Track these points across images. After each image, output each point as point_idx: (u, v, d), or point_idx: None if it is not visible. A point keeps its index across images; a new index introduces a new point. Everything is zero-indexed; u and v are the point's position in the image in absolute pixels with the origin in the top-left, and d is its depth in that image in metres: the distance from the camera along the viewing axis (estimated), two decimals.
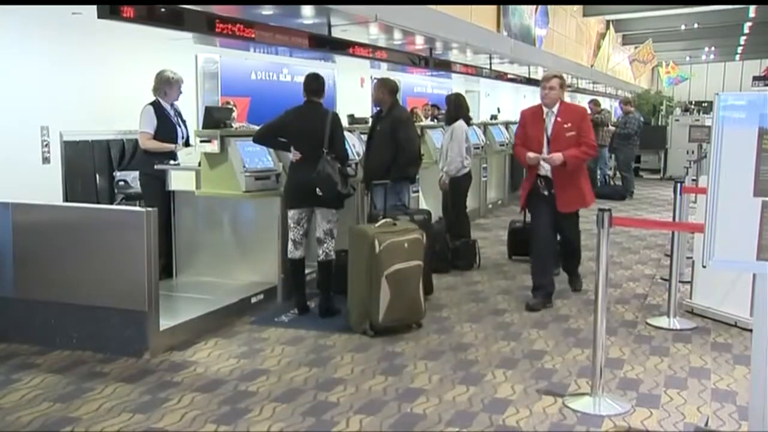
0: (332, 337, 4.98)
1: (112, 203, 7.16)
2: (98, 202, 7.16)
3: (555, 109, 5.66)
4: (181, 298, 5.65)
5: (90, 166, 7.43)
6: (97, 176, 7.50)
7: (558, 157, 5.51)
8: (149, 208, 4.52)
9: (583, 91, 24.28)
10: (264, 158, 5.91)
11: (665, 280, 6.33)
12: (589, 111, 13.99)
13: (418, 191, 7.69)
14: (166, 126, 6.13)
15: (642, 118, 14.66)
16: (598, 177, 13.60)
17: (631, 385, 4.19)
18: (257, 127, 5.97)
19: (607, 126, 13.67)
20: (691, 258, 6.14)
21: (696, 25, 26.74)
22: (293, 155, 5.43)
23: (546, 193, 5.67)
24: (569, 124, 5.61)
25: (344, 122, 6.97)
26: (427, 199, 8.42)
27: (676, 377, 4.31)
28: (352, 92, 13.01)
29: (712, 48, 33.92)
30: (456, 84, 16.97)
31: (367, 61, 11.57)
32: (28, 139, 6.86)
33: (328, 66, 11.82)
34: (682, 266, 6.28)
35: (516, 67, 16.76)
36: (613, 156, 14.34)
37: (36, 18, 6.80)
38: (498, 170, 11.74)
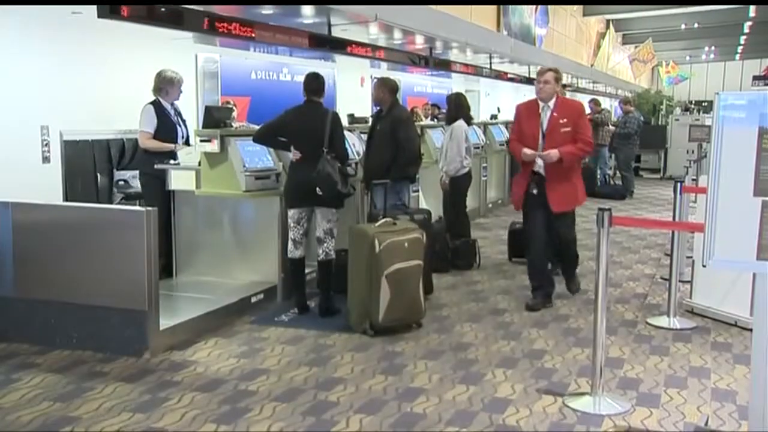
0: (332, 336, 4.99)
1: (111, 203, 7.15)
2: (98, 202, 7.16)
3: (551, 103, 5.53)
4: (181, 298, 5.65)
5: (90, 165, 7.43)
6: (98, 176, 7.50)
7: (554, 153, 5.39)
8: (149, 208, 4.52)
9: (583, 91, 24.27)
10: (264, 158, 5.91)
11: (665, 279, 6.33)
12: (589, 110, 14.04)
13: (418, 191, 7.69)
14: (167, 125, 6.13)
15: (642, 118, 14.66)
16: (598, 176, 13.60)
17: (631, 384, 4.19)
18: (257, 127, 5.98)
19: (607, 126, 13.67)
20: (691, 257, 6.14)
21: (696, 25, 26.74)
22: (293, 155, 5.43)
23: (535, 191, 5.56)
24: (565, 120, 5.49)
25: (344, 122, 6.97)
26: (427, 198, 8.42)
27: (676, 377, 4.31)
28: (352, 92, 13.01)
29: (712, 47, 33.92)
30: (456, 83, 16.97)
31: (367, 60, 11.57)
32: (28, 138, 6.86)
33: (328, 65, 11.82)
34: (682, 266, 6.28)
35: (516, 66, 16.77)
36: (613, 155, 14.35)
37: (36, 17, 6.79)
38: (498, 170, 11.74)
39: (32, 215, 4.80)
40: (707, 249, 3.07)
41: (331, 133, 5.33)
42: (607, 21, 28.78)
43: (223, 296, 5.54)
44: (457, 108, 7.63)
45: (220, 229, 6.13)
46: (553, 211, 5.56)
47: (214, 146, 5.74)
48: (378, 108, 6.44)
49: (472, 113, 8.00)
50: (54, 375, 4.22)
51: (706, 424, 3.65)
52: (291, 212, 5.48)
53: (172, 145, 6.10)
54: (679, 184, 5.79)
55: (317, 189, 5.24)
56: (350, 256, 5.19)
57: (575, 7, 24.19)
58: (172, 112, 6.24)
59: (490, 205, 10.94)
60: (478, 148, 9.61)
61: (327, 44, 9.55)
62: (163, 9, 6.70)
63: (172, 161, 6.05)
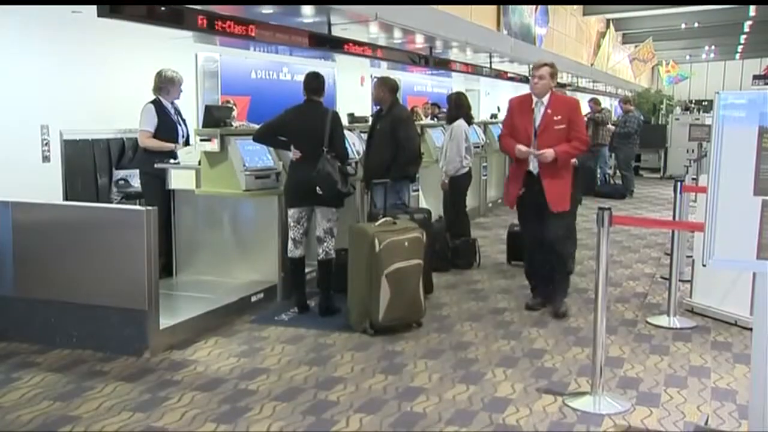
0: (332, 335, 4.99)
1: (111, 202, 7.15)
2: (98, 201, 7.15)
3: (545, 99, 5.33)
4: (181, 297, 5.65)
5: (90, 165, 7.43)
6: (97, 175, 7.50)
7: (550, 153, 5.20)
8: (149, 207, 4.52)
9: (583, 90, 24.26)
10: (264, 157, 5.91)
11: (665, 278, 6.33)
12: (589, 110, 14.05)
13: (418, 190, 7.69)
14: (167, 124, 6.13)
15: (642, 117, 14.66)
16: (598, 176, 13.60)
17: (631, 383, 4.19)
18: (257, 126, 5.98)
19: (607, 125, 13.66)
20: (691, 257, 6.14)
21: (696, 24, 26.74)
22: (293, 154, 5.43)
23: (522, 191, 5.39)
24: (559, 117, 5.28)
25: (344, 121, 6.97)
26: (427, 198, 8.42)
27: (676, 376, 4.31)
28: (352, 91, 13.01)
29: (713, 47, 33.92)
30: (456, 83, 16.97)
31: (368, 59, 11.57)
32: (28, 137, 6.85)
33: (328, 65, 11.82)
34: (682, 265, 6.28)
35: (516, 66, 16.76)
36: (613, 155, 14.35)
37: (36, 17, 6.79)
38: (498, 169, 11.73)
39: (32, 215, 4.81)
40: (707, 248, 3.07)
41: (331, 132, 5.33)
42: (607, 20, 28.79)
43: (223, 295, 5.54)
44: (457, 107, 7.64)
45: (220, 228, 6.13)
46: (551, 211, 5.33)
47: (214, 145, 5.75)
48: (378, 107, 6.44)
49: (472, 112, 8.00)
50: (54, 374, 4.22)
51: (706, 423, 3.65)
52: (291, 211, 5.48)
53: (172, 145, 6.10)
54: (679, 184, 5.79)
55: (317, 188, 5.25)
56: (350, 256, 5.19)
57: (575, 6, 24.19)
58: (172, 111, 6.24)
59: (490, 205, 10.94)
60: (478, 147, 9.60)
61: (327, 43, 9.55)
62: (163, 8, 6.70)
63: (172, 160, 6.05)
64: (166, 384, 4.09)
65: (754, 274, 3.27)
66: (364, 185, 6.44)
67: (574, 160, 5.71)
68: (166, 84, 6.16)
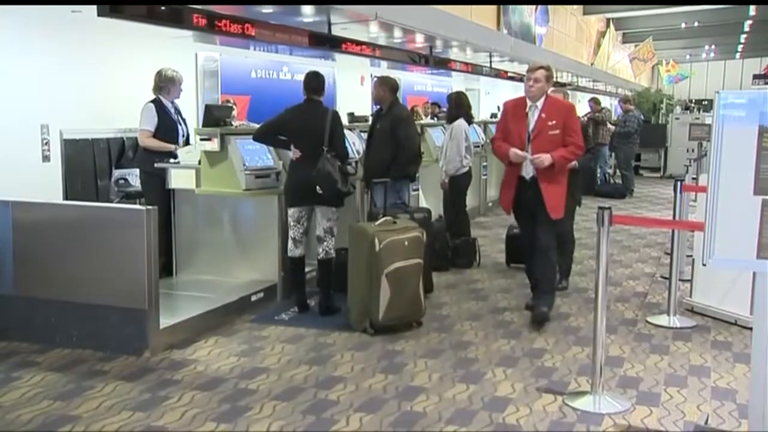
0: (332, 335, 4.99)
1: (111, 201, 7.16)
2: (98, 201, 7.16)
3: (539, 103, 5.14)
4: (181, 297, 5.65)
5: (90, 164, 7.44)
6: (97, 174, 7.50)
7: (547, 158, 5.01)
8: (149, 207, 4.52)
9: (584, 90, 24.27)
10: (264, 156, 5.91)
11: (665, 278, 6.33)
12: (589, 109, 14.05)
13: (418, 189, 7.69)
14: (168, 124, 6.13)
15: (642, 117, 14.66)
16: (598, 175, 13.61)
17: (631, 383, 4.19)
18: (257, 126, 5.98)
19: (605, 125, 13.66)
20: (691, 256, 6.14)
21: (696, 24, 26.74)
22: (293, 153, 5.43)
23: (527, 194, 5.20)
24: (554, 121, 5.10)
25: (344, 120, 6.97)
26: (427, 197, 8.41)
27: (676, 375, 4.31)
28: (352, 90, 13.02)
29: (713, 46, 33.91)
30: (456, 82, 16.97)
31: (367, 59, 11.57)
32: (28, 137, 6.86)
33: (328, 64, 11.82)
34: (682, 264, 6.28)
35: (516, 65, 16.76)
36: (613, 154, 14.35)
37: (36, 17, 6.79)
38: (498, 169, 11.68)
39: (32, 214, 4.81)
40: (707, 248, 3.07)
41: (331, 131, 5.33)
42: (608, 20, 28.79)
43: (223, 295, 5.54)
44: (457, 106, 7.63)
45: (220, 227, 6.13)
46: (546, 217, 5.15)
47: (214, 145, 5.75)
48: (378, 107, 6.44)
49: (472, 112, 8.00)
50: (54, 374, 4.22)
51: (706, 422, 3.65)
52: (291, 211, 5.48)
53: (172, 146, 6.10)
54: (679, 183, 5.79)
55: (317, 188, 5.25)
56: (350, 255, 5.19)
57: (575, 5, 24.19)
58: (172, 110, 6.24)
59: (490, 204, 10.94)
60: (478, 147, 9.60)
61: (327, 43, 9.55)
62: (163, 8, 6.70)
63: (172, 160, 6.05)
64: (166, 383, 4.09)
65: (754, 274, 3.28)
66: (364, 184, 6.45)
67: (574, 162, 5.68)
68: (166, 83, 6.16)
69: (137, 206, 5.30)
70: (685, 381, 4.22)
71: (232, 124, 6.59)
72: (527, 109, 5.19)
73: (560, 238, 6.29)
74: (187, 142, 6.27)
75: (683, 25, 27.10)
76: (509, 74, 16.77)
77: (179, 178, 6.02)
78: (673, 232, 5.77)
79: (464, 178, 7.48)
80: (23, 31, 6.79)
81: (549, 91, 5.29)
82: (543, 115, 5.13)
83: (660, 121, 20.84)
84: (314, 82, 5.48)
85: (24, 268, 4.76)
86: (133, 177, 7.07)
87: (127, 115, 6.93)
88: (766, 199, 2.99)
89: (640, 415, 3.75)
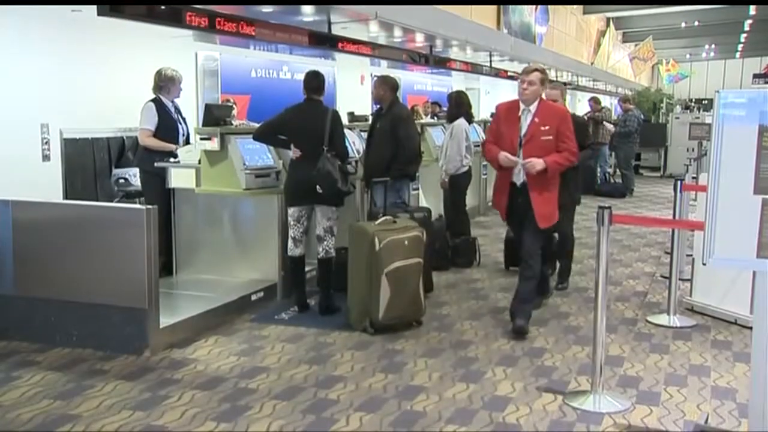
0: (332, 334, 4.99)
1: (111, 201, 7.16)
2: (98, 200, 7.16)
3: (533, 107, 4.93)
4: (181, 296, 5.65)
5: (90, 163, 7.44)
6: (97, 174, 7.50)
7: (539, 162, 4.79)
8: (149, 206, 4.51)
9: (584, 89, 24.28)
10: (264, 156, 5.91)
11: (665, 277, 6.33)
12: (589, 108, 14.05)
13: (418, 189, 7.69)
14: (168, 123, 6.13)
15: (642, 116, 14.66)
16: (598, 175, 13.61)
17: (631, 382, 4.19)
18: (257, 125, 5.98)
19: (603, 123, 13.66)
20: (691, 256, 6.14)
21: (696, 23, 26.75)
22: (293, 153, 5.43)
23: (519, 200, 4.97)
24: (547, 127, 4.88)
25: (344, 120, 6.97)
26: (427, 196, 8.41)
27: (676, 375, 4.32)
28: (352, 90, 13.02)
29: (713, 45, 33.93)
30: (456, 81, 16.97)
31: (368, 58, 11.57)
32: (29, 136, 6.87)
33: (328, 63, 11.82)
34: (682, 264, 6.28)
35: (516, 64, 16.76)
36: (613, 154, 14.36)
37: (36, 16, 6.79)
38: None
39: (32, 213, 4.80)
40: (707, 247, 3.07)
41: (331, 131, 5.33)
42: (608, 19, 28.80)
43: (223, 294, 5.54)
44: (457, 106, 7.63)
45: (220, 227, 6.13)
46: (535, 228, 4.94)
47: (214, 144, 5.75)
48: (378, 106, 6.43)
49: (472, 111, 8.00)
50: (54, 373, 4.22)
51: (706, 422, 3.65)
52: (291, 210, 5.48)
53: (173, 146, 6.10)
54: (679, 182, 5.79)
55: (317, 187, 5.25)
56: (350, 254, 5.19)
57: (575, 5, 24.19)
58: (172, 110, 6.24)
59: (489, 204, 10.88)
60: (478, 146, 9.58)
61: (327, 42, 9.55)
62: (163, 7, 6.70)
63: (172, 159, 6.05)
64: (166, 383, 4.09)
65: (754, 273, 3.28)
66: (364, 184, 6.44)
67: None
68: (166, 83, 6.16)
69: (137, 205, 5.30)
70: (685, 380, 4.23)
71: (232, 124, 6.60)
72: (520, 113, 4.98)
73: (560, 238, 6.31)
74: (187, 142, 6.27)
75: (683, 25, 27.11)
76: (509, 74, 16.78)
77: (179, 178, 6.02)
78: (673, 231, 5.77)
79: (464, 177, 7.47)
80: (23, 30, 6.79)
81: (545, 93, 5.14)
82: (536, 119, 4.92)
83: (660, 121, 20.84)
84: (314, 81, 5.48)
85: (24, 267, 4.76)
86: (133, 176, 7.08)
87: (127, 114, 6.93)
88: (766, 199, 2.99)
89: (640, 415, 3.75)
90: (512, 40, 15.64)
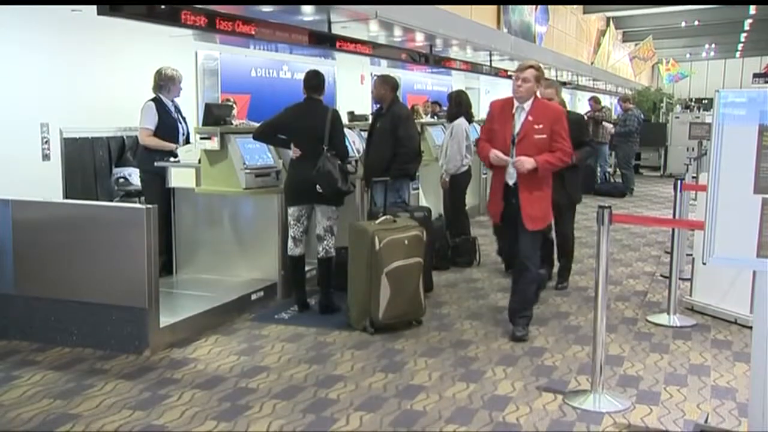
0: (332, 334, 4.99)
1: (111, 200, 7.16)
2: (98, 199, 7.16)
3: (526, 105, 4.79)
4: (181, 295, 5.65)
5: (90, 163, 7.44)
6: (97, 173, 7.50)
7: (528, 161, 4.65)
8: (149, 206, 4.51)
9: (584, 88, 24.29)
10: (264, 155, 5.92)
11: (665, 277, 6.33)
12: (589, 108, 14.05)
13: (418, 188, 7.69)
14: (168, 122, 6.13)
15: (642, 115, 14.67)
16: (598, 174, 13.61)
17: (631, 382, 4.19)
18: (257, 124, 5.98)
19: (602, 123, 13.65)
20: (692, 255, 6.14)
21: (696, 23, 26.75)
22: (293, 152, 5.43)
23: (513, 201, 4.82)
24: (540, 125, 4.73)
25: (344, 119, 6.97)
26: (427, 196, 8.41)
27: (676, 374, 4.32)
28: (352, 89, 13.02)
29: (713, 45, 33.93)
30: (456, 81, 16.97)
31: (367, 58, 11.57)
32: (28, 136, 6.86)
33: (328, 63, 11.83)
34: (682, 263, 6.28)
35: (516, 64, 16.75)
36: (613, 153, 14.36)
37: (36, 15, 6.79)
38: None
39: (32, 213, 4.80)
40: (707, 246, 3.07)
41: (331, 130, 5.33)
42: (608, 18, 28.79)
43: (223, 294, 5.54)
44: (457, 105, 7.63)
45: (220, 226, 6.13)
46: (526, 229, 4.80)
47: (214, 144, 5.75)
48: (378, 105, 6.43)
49: (472, 111, 7.99)
50: (54, 372, 4.22)
51: (706, 421, 3.65)
52: (291, 210, 5.48)
53: (173, 145, 6.10)
54: (679, 182, 5.79)
55: (317, 186, 5.25)
56: (350, 254, 5.19)
57: (575, 5, 24.20)
58: (172, 109, 6.25)
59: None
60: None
61: (327, 41, 9.55)
62: (163, 7, 6.70)
63: (172, 159, 6.05)
64: (166, 382, 4.09)
65: (754, 273, 3.28)
66: (364, 183, 6.44)
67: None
68: (166, 82, 6.16)
69: (137, 205, 5.30)
70: (685, 380, 4.23)
71: (232, 123, 6.59)
72: (514, 111, 4.83)
73: (560, 239, 6.31)
74: (187, 141, 6.27)
75: (683, 24, 27.11)
76: (509, 73, 16.76)
77: (179, 177, 6.02)
78: (673, 230, 5.77)
79: (464, 176, 7.47)
80: (23, 29, 6.79)
81: (539, 91, 5.01)
82: (530, 117, 4.78)
83: (660, 120, 20.83)
84: (314, 80, 5.48)
85: (24, 266, 4.76)
86: (134, 176, 7.08)
87: (127, 113, 6.93)
88: (766, 198, 2.99)
89: (640, 414, 3.75)
90: (512, 39, 15.65)
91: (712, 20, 26.37)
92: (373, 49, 10.93)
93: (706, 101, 27.13)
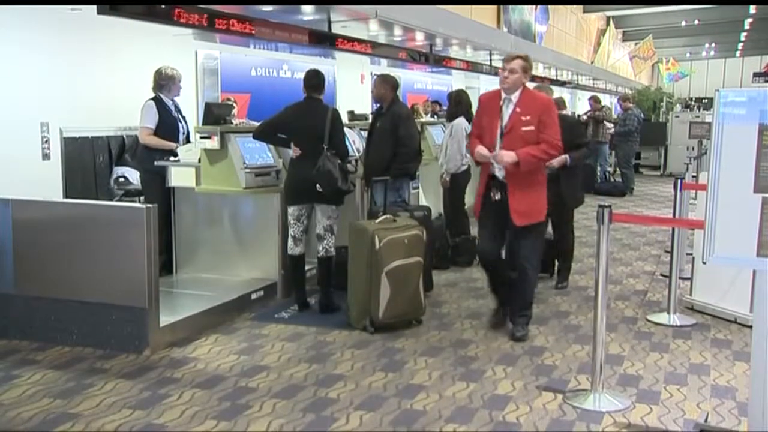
0: (332, 333, 4.99)
1: (111, 199, 7.16)
2: (98, 199, 7.16)
3: (514, 97, 4.69)
4: (181, 295, 5.65)
5: (90, 162, 7.43)
6: (97, 172, 7.50)
7: (508, 155, 4.54)
8: (149, 205, 4.51)
9: (584, 88, 24.29)
10: (264, 154, 5.91)
11: (665, 276, 6.33)
12: (589, 107, 14.05)
13: (418, 188, 7.69)
14: (168, 122, 6.13)
15: (642, 115, 14.68)
16: (598, 173, 13.62)
17: (631, 381, 4.19)
18: (257, 124, 5.98)
19: (603, 122, 13.65)
20: (691, 254, 6.14)
21: (696, 22, 26.75)
22: (293, 151, 5.43)
23: (497, 197, 4.73)
24: (528, 117, 4.61)
25: (344, 119, 6.97)
26: (427, 195, 8.42)
27: (676, 373, 4.32)
28: (352, 88, 13.02)
29: (713, 44, 33.94)
30: (456, 80, 16.97)
31: (368, 57, 11.57)
32: (28, 135, 6.86)
33: (328, 62, 11.82)
34: (682, 263, 6.28)
35: None
36: (613, 152, 14.36)
37: (36, 14, 6.79)
38: None
39: (32, 212, 4.80)
40: (707, 246, 3.07)
41: (331, 129, 5.33)
42: (608, 18, 28.80)
43: (223, 293, 5.54)
44: (457, 105, 7.63)
45: (220, 225, 6.13)
46: (515, 225, 4.71)
47: (214, 143, 5.75)
48: (378, 105, 6.43)
49: (472, 110, 7.99)
50: (54, 372, 4.22)
51: (706, 420, 3.65)
52: (291, 209, 5.48)
53: (173, 145, 6.10)
54: (679, 181, 5.79)
55: (317, 186, 5.25)
56: (350, 253, 5.19)
57: (575, 5, 24.20)
58: (172, 108, 6.25)
59: None
60: None
61: (327, 41, 9.54)
62: (163, 6, 6.70)
63: (172, 158, 6.05)
64: (166, 381, 4.10)
65: (754, 272, 3.28)
66: (364, 183, 6.44)
67: (565, 158, 5.50)
68: (167, 81, 6.16)
69: (137, 204, 5.30)
70: (685, 379, 4.23)
71: (232, 122, 6.59)
72: (501, 103, 4.74)
73: (558, 239, 6.29)
74: (187, 140, 6.27)
75: (683, 23, 27.11)
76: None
77: (179, 176, 6.02)
78: (673, 230, 5.77)
79: (464, 176, 7.47)
80: (23, 28, 6.78)
81: (531, 86, 4.93)
82: (518, 109, 4.66)
83: (660, 120, 20.83)
84: (314, 80, 5.48)
85: (24, 266, 4.76)
86: (134, 175, 7.08)
87: (126, 112, 6.93)
88: (766, 197, 2.99)
89: (640, 413, 3.75)
90: (512, 38, 15.65)
91: (712, 19, 26.37)
92: (373, 49, 10.93)
93: (706, 100, 27.11)
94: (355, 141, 7.07)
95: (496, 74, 16.02)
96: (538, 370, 4.34)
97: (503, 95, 4.75)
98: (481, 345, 4.78)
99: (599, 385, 3.86)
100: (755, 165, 2.99)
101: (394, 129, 6.13)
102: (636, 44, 28.38)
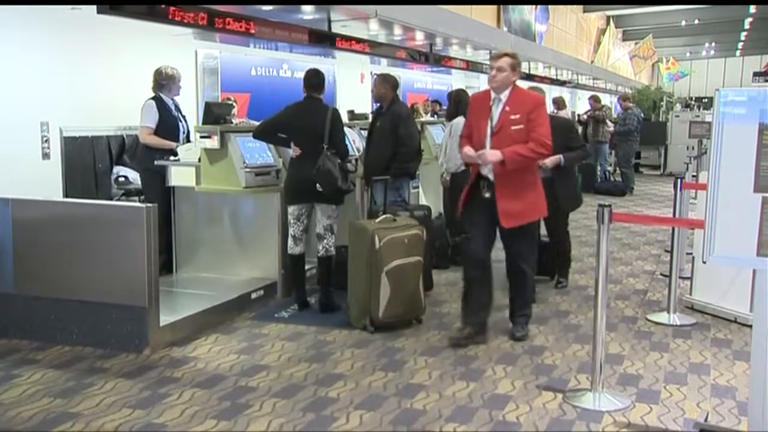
0: (332, 332, 4.99)
1: (111, 199, 7.16)
2: (98, 198, 7.16)
3: (503, 95, 4.61)
4: (181, 294, 5.65)
5: (90, 161, 7.43)
6: (97, 172, 7.50)
7: (493, 154, 4.46)
8: (149, 204, 4.52)
9: (584, 87, 24.29)
10: (264, 154, 5.92)
11: (665, 276, 6.33)
12: (589, 107, 14.05)
13: (418, 187, 7.69)
14: (168, 121, 6.14)
15: (642, 114, 14.67)
16: (598, 173, 13.62)
17: (631, 380, 4.19)
18: (257, 123, 5.98)
19: (603, 122, 13.65)
20: (691, 254, 6.14)
21: (696, 21, 26.74)
22: (293, 151, 5.43)
23: (487, 195, 4.64)
24: (517, 115, 4.52)
25: (344, 118, 6.97)
26: (427, 195, 8.41)
27: (676, 373, 4.32)
28: (352, 88, 13.02)
29: (713, 44, 33.92)
30: (456, 80, 16.96)
31: (367, 56, 11.57)
32: (28, 134, 6.86)
33: (328, 62, 11.82)
34: (682, 262, 6.28)
35: None
36: (613, 152, 14.36)
37: (36, 14, 6.78)
38: None
39: (32, 212, 4.80)
40: (707, 245, 3.07)
41: (331, 129, 5.33)
42: (608, 17, 28.78)
43: (223, 292, 5.54)
44: (457, 104, 7.60)
45: (220, 225, 6.13)
46: (503, 227, 4.64)
47: (214, 142, 5.75)
48: (378, 104, 6.43)
49: None
50: (54, 371, 4.22)
51: (706, 420, 3.65)
52: (291, 208, 5.48)
53: (173, 144, 6.10)
54: (679, 181, 5.79)
55: (317, 185, 5.25)
56: (350, 253, 5.19)
57: (575, 4, 24.20)
58: (172, 107, 6.25)
59: None
60: None
61: (327, 40, 9.54)
62: (163, 6, 6.70)
63: (172, 157, 6.05)
64: (166, 381, 4.10)
65: (754, 271, 3.28)
66: (364, 182, 6.44)
67: (559, 158, 5.46)
68: (166, 81, 6.17)
69: (137, 204, 5.30)
70: (685, 378, 4.23)
71: (232, 122, 6.59)
72: (491, 102, 4.65)
73: (556, 242, 6.27)
74: (187, 140, 6.27)
75: (683, 23, 27.10)
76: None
77: (179, 176, 6.02)
78: (673, 229, 5.77)
79: (464, 175, 7.43)
80: (23, 28, 6.78)
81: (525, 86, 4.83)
82: (507, 108, 4.57)
83: (660, 119, 20.83)
84: (314, 79, 5.48)
85: (24, 265, 4.76)
86: (134, 174, 7.08)
87: (126, 112, 6.93)
88: (766, 197, 2.99)
89: (639, 413, 3.75)
90: (512, 38, 15.64)
91: (712, 19, 26.37)
92: (373, 48, 10.93)
93: (706, 100, 27.13)
94: (355, 140, 7.07)
95: None
96: (538, 369, 4.34)
97: (493, 95, 4.67)
98: (481, 344, 4.77)
99: (599, 385, 3.86)
100: (755, 164, 2.99)
101: (394, 128, 6.13)
102: (636, 44, 28.37)
